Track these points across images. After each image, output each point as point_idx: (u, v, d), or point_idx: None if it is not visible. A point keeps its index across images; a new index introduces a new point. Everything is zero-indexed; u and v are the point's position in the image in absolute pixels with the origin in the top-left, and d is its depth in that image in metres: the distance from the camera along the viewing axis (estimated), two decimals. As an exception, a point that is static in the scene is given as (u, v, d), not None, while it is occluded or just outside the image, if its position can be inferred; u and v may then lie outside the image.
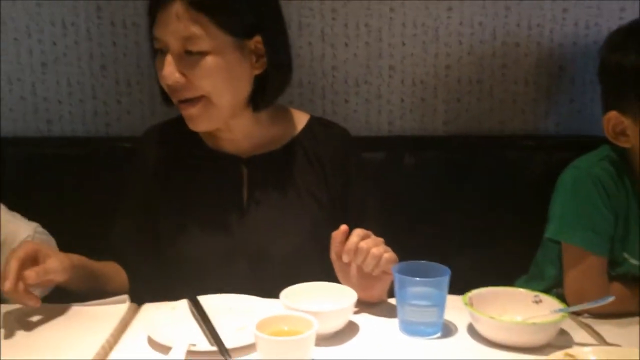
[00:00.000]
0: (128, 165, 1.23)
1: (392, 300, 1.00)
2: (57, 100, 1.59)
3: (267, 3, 1.09)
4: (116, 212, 1.19)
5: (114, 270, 1.14)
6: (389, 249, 0.99)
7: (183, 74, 1.01)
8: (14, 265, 0.91)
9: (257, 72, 1.08)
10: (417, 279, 0.93)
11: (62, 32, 1.56)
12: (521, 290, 1.01)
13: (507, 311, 0.97)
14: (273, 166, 1.15)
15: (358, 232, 0.97)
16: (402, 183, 1.54)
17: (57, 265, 0.96)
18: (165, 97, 1.10)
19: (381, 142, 1.60)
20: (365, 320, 1.00)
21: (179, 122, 1.16)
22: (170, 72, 1.01)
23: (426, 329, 0.94)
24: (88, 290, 1.06)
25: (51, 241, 1.22)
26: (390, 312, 0.99)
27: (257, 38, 1.06)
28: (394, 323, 0.98)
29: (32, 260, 0.96)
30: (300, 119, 1.21)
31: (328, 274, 1.03)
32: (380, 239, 1.00)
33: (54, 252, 0.99)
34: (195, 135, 1.17)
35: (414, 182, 1.53)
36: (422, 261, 0.98)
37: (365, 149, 1.46)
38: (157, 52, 1.05)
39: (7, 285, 0.90)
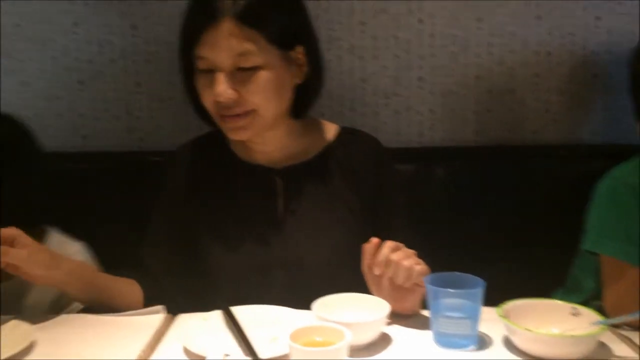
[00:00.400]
0: (161, 179, 1.25)
1: (426, 312, 0.99)
2: (93, 116, 1.63)
3: (304, 13, 1.12)
4: (148, 225, 1.21)
5: (126, 288, 1.13)
6: (420, 261, 0.99)
7: (235, 90, 1.03)
8: None
9: (297, 81, 1.11)
10: (451, 290, 0.92)
11: (98, 51, 1.61)
12: (558, 302, 0.99)
13: (544, 324, 0.95)
14: (306, 176, 1.16)
15: (389, 245, 0.97)
16: (433, 194, 1.53)
17: (23, 256, 0.96)
18: (202, 114, 1.12)
19: (411, 154, 1.60)
20: (398, 331, 0.99)
21: (212, 137, 1.18)
22: (223, 89, 1.02)
23: (460, 340, 0.93)
24: (90, 301, 1.07)
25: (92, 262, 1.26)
26: (424, 323, 0.98)
27: (299, 48, 1.08)
28: (427, 335, 0.96)
29: (8, 244, 0.96)
30: (331, 130, 1.22)
31: (362, 285, 1.02)
32: (412, 251, 0.99)
33: (33, 244, 0.99)
34: (227, 148, 1.19)
35: (445, 193, 1.52)
36: (456, 272, 0.96)
37: (395, 161, 1.46)
38: (199, 72, 1.06)
39: None
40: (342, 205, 1.15)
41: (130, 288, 1.13)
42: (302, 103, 1.14)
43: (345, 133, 1.22)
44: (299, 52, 1.09)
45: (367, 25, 1.59)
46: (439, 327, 0.93)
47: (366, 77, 1.62)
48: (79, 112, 1.62)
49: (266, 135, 1.13)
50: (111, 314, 1.06)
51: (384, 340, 0.96)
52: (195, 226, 1.15)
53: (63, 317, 1.06)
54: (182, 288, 1.16)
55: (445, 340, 0.94)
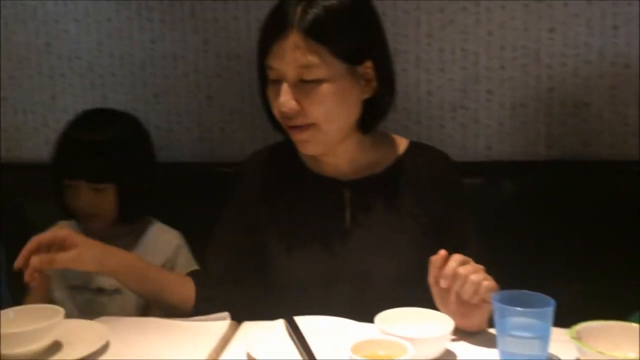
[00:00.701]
0: (230, 188, 1.28)
1: (493, 330, 0.96)
2: (168, 128, 1.70)
3: (375, 28, 1.12)
4: (214, 228, 1.24)
5: (178, 283, 1.16)
6: (488, 276, 0.96)
7: (298, 102, 1.05)
8: (29, 246, 1.00)
9: (366, 96, 1.11)
10: (519, 309, 0.89)
11: (172, 65, 1.68)
12: (635, 325, 0.94)
13: (618, 347, 0.90)
14: (375, 189, 1.16)
15: (456, 258, 0.96)
16: (501, 210, 1.49)
17: (72, 256, 1.01)
18: (274, 123, 1.15)
19: (479, 167, 1.57)
20: (463, 349, 0.97)
21: (282, 147, 1.21)
22: (286, 100, 1.04)
23: (528, 361, 0.90)
24: (142, 292, 1.12)
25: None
26: (490, 342, 0.96)
27: (368, 63, 1.08)
28: (493, 354, 0.94)
29: (59, 246, 1.02)
30: (400, 144, 1.22)
31: (428, 301, 1.01)
32: (480, 266, 0.97)
33: (83, 242, 1.04)
34: (297, 159, 1.21)
35: (514, 209, 1.48)
36: (525, 290, 0.93)
37: (463, 175, 1.44)
38: (270, 82, 1.09)
39: (16, 263, 0.98)
40: (410, 219, 1.14)
41: (182, 284, 1.16)
42: (371, 118, 1.13)
43: (415, 147, 1.21)
44: (367, 67, 1.08)
45: (433, 37, 1.58)
46: (506, 346, 0.91)
47: (432, 90, 1.61)
48: (154, 124, 1.70)
49: (337, 148, 1.14)
50: (179, 318, 1.10)
51: (447, 357, 0.94)
52: (263, 234, 1.17)
53: (133, 320, 1.11)
54: (242, 294, 1.18)
55: (511, 361, 0.91)
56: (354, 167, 1.17)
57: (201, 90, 1.68)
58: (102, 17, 1.68)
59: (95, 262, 1.05)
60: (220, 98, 1.68)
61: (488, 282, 0.94)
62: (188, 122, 1.70)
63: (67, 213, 1.37)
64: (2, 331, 0.92)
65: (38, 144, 1.76)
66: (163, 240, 1.39)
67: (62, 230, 1.06)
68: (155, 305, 1.16)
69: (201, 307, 1.12)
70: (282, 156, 1.21)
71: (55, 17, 1.69)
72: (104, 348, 0.98)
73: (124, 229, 1.39)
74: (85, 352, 0.95)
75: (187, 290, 1.15)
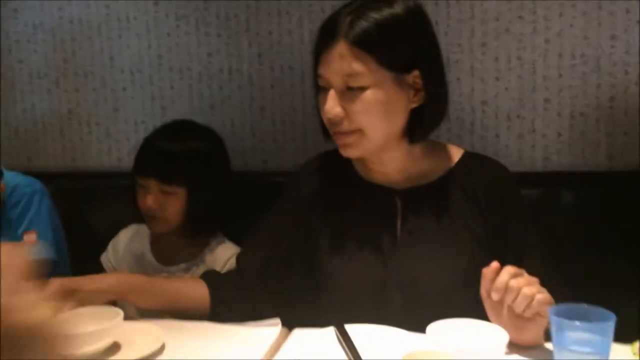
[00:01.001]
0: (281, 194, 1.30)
1: (549, 344, 0.93)
2: (222, 138, 1.74)
3: (426, 39, 1.12)
4: (252, 231, 1.25)
5: (187, 288, 1.18)
6: (543, 289, 0.93)
7: (343, 108, 1.07)
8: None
9: (413, 105, 1.10)
10: (578, 323, 0.86)
11: (228, 78, 1.72)
12: None
13: (686, 366, 0.85)
14: (427, 199, 1.15)
15: (509, 270, 0.93)
16: (560, 222, 1.44)
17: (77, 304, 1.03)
18: (325, 131, 1.16)
19: (536, 178, 1.53)
20: (518, 362, 0.94)
21: (334, 155, 1.22)
22: (331, 106, 1.07)
23: (587, 378, 0.86)
24: (157, 307, 1.14)
25: None
26: (546, 356, 0.93)
27: (416, 73, 1.08)
28: (550, 368, 0.91)
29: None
30: (455, 153, 1.20)
31: (482, 313, 0.99)
32: (535, 279, 0.94)
33: (79, 282, 1.07)
34: (349, 167, 1.21)
35: (573, 222, 1.43)
36: (583, 304, 0.90)
37: (519, 185, 1.40)
38: (320, 89, 1.12)
39: None
40: (464, 230, 1.12)
41: (194, 288, 1.17)
42: (419, 127, 1.13)
43: (470, 157, 1.20)
44: (415, 77, 1.08)
45: (488, 46, 1.56)
46: (563, 360, 0.87)
47: (487, 100, 1.58)
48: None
49: (383, 156, 1.14)
50: (231, 323, 1.12)
51: (501, 370, 0.92)
52: (314, 241, 1.18)
53: (188, 323, 1.13)
54: (271, 297, 1.18)
55: (569, 376, 0.87)
56: (405, 175, 1.17)
57: (255, 102, 1.72)
58: (162, 32, 1.74)
59: (101, 294, 1.08)
60: (273, 109, 1.71)
61: (542, 296, 0.92)
62: (242, 133, 1.74)
63: (136, 214, 1.42)
64: (64, 332, 0.96)
65: (101, 154, 1.84)
66: (219, 258, 1.41)
67: (55, 284, 1.05)
68: (173, 314, 1.17)
69: (218, 310, 1.14)
70: (334, 164, 1.22)
71: (118, 33, 1.77)
72: (160, 350, 1.00)
73: (187, 241, 1.42)
74: (142, 353, 0.98)
75: (200, 294, 1.16)
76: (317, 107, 1.16)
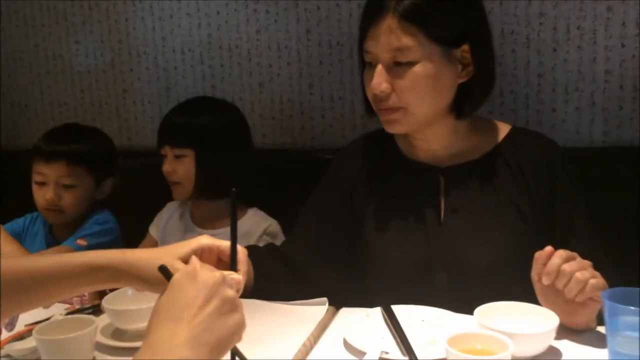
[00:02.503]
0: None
1: (602, 329, 0.90)
2: (271, 116, 1.75)
3: (475, 12, 1.09)
4: (301, 212, 1.26)
5: None
6: (596, 273, 0.90)
7: (390, 84, 1.06)
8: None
9: (461, 80, 1.08)
10: (632, 307, 0.83)
11: (277, 55, 1.72)
12: None
13: None
14: (471, 176, 1.13)
15: (560, 254, 0.90)
16: (620, 199, 1.38)
17: None
18: (368, 107, 1.15)
19: (595, 154, 1.46)
20: (568, 347, 0.92)
21: (379, 135, 1.21)
22: (379, 82, 1.06)
23: (642, 364, 0.83)
24: None
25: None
26: (599, 341, 0.90)
27: (465, 47, 1.06)
28: (601, 354, 0.88)
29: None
30: (502, 129, 1.17)
31: (529, 292, 0.97)
32: (588, 262, 0.91)
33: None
34: (393, 146, 1.20)
35: (634, 198, 1.37)
36: (638, 289, 0.86)
37: (576, 162, 1.34)
38: (366, 65, 1.10)
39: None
40: (511, 207, 1.10)
41: None
42: (466, 103, 1.10)
43: (518, 133, 1.16)
44: (464, 51, 1.06)
45: (546, 16, 1.49)
46: (616, 346, 0.84)
47: (544, 72, 1.51)
48: (259, 113, 1.76)
49: (428, 132, 1.12)
50: (280, 301, 1.14)
51: (551, 354, 0.89)
52: (358, 220, 1.18)
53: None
54: (324, 279, 1.19)
55: (623, 362, 0.85)
56: (450, 152, 1.15)
57: (303, 79, 1.71)
58: (211, 11, 1.75)
59: None
60: (322, 86, 1.70)
61: (595, 280, 0.88)
62: (290, 110, 1.74)
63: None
64: (120, 308, 1.00)
65: (154, 132, 1.87)
66: (254, 226, 1.46)
67: None
68: None
69: (261, 284, 1.14)
70: (377, 144, 1.21)
71: (170, 13, 1.79)
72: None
73: (220, 211, 1.48)
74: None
75: None
76: (362, 84, 1.15)
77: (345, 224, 1.19)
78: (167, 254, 0.83)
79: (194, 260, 0.76)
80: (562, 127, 1.51)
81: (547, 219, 1.10)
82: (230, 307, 0.70)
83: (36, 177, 1.53)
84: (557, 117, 1.52)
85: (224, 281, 0.71)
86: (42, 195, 1.51)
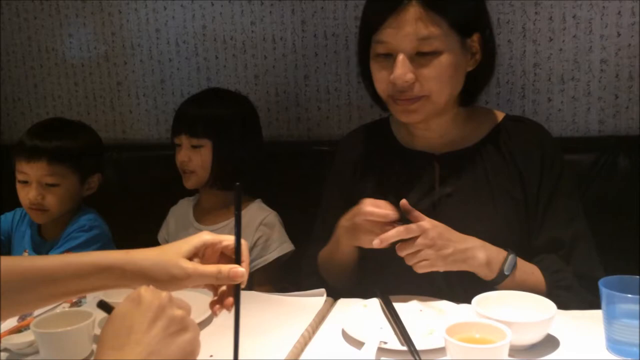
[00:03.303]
0: (327, 165, 1.30)
1: (599, 316, 0.90)
2: (267, 108, 1.75)
3: (482, 1, 1.11)
4: (319, 209, 1.27)
5: None
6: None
7: (413, 74, 1.05)
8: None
9: (469, 68, 1.10)
10: (629, 295, 0.83)
11: (272, 47, 1.71)
12: None
13: None
14: (465, 163, 1.14)
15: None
16: (616, 188, 1.38)
17: None
18: (374, 96, 1.15)
19: (591, 143, 1.46)
20: (566, 335, 0.92)
21: (377, 125, 1.22)
22: (403, 72, 1.05)
23: (637, 350, 0.84)
24: None
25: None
26: (597, 329, 0.90)
27: (476, 36, 1.08)
28: (599, 340, 0.88)
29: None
30: (495, 117, 1.18)
31: None
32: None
33: None
34: (391, 135, 1.21)
35: (631, 187, 1.37)
36: (636, 276, 0.87)
37: (572, 151, 1.35)
38: (375, 56, 1.09)
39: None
40: (503, 193, 1.11)
41: None
42: (472, 91, 1.12)
43: (510, 120, 1.17)
44: (474, 40, 1.08)
45: (541, 5, 1.49)
46: (613, 333, 0.85)
47: (540, 62, 1.51)
48: (254, 105, 1.74)
49: (431, 121, 1.13)
50: (278, 293, 1.14)
51: (549, 342, 0.90)
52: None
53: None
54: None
55: (618, 348, 0.85)
56: (446, 140, 1.16)
57: (299, 70, 1.70)
58: (206, 2, 1.74)
59: None
60: (317, 77, 1.69)
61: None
62: (286, 102, 1.73)
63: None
64: (118, 301, 1.00)
65: (150, 125, 1.88)
66: (251, 217, 1.46)
67: None
68: None
69: (304, 283, 1.17)
70: (377, 133, 1.22)
71: (163, 4, 1.78)
72: (209, 319, 1.03)
73: (226, 202, 1.48)
74: (197, 319, 1.00)
75: None
76: (363, 75, 1.14)
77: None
78: (171, 252, 0.83)
79: (142, 288, 0.73)
80: (558, 116, 1.51)
81: (539, 205, 1.10)
82: (178, 327, 0.67)
83: (19, 176, 1.48)
84: (553, 106, 1.52)
85: (170, 301, 0.69)
86: (25, 195, 1.46)
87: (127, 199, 1.71)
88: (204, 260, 0.84)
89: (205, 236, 0.86)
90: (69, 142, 1.49)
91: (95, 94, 1.91)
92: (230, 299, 0.83)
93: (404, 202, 1.00)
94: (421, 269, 0.99)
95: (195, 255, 0.83)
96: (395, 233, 0.98)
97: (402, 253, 0.99)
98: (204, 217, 1.53)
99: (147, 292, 0.69)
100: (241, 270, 0.82)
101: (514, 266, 1.02)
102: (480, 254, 1.00)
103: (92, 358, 0.64)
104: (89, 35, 1.87)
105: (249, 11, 1.71)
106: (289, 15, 1.68)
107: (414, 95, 1.06)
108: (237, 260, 0.83)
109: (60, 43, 1.90)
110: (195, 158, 1.45)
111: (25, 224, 1.57)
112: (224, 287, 0.85)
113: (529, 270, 1.05)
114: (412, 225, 0.98)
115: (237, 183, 0.82)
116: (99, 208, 1.56)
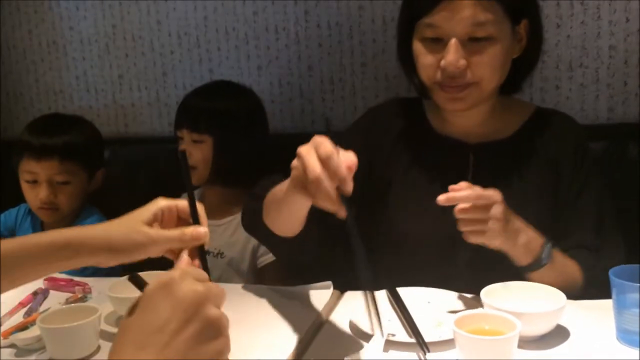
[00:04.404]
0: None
1: (609, 306, 0.89)
2: (270, 100, 1.73)
3: None
4: None
5: None
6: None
7: (466, 60, 1.03)
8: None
9: (515, 56, 1.09)
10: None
11: (274, 37, 1.70)
12: None
13: None
14: (500, 155, 1.12)
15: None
16: (626, 176, 1.37)
17: None
18: (415, 82, 1.12)
19: (600, 131, 1.45)
20: (576, 326, 0.91)
21: (410, 104, 1.19)
22: (456, 58, 1.02)
23: (650, 340, 0.83)
24: None
25: None
26: (607, 319, 0.89)
27: (524, 22, 1.06)
28: (610, 331, 0.87)
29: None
30: (527, 109, 1.17)
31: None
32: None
33: None
34: (422, 118, 1.18)
35: (640, 176, 1.35)
36: (647, 265, 0.86)
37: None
38: (421, 40, 1.06)
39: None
40: (533, 187, 1.09)
41: None
42: (516, 79, 1.11)
43: (543, 113, 1.16)
44: (522, 26, 1.07)
45: (548, -9, 1.46)
46: (624, 323, 0.84)
47: (547, 49, 1.49)
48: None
49: (473, 109, 1.10)
50: (285, 286, 1.13)
51: (559, 333, 0.89)
52: (383, 192, 1.15)
53: (240, 286, 1.15)
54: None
55: (629, 338, 0.84)
56: (482, 130, 1.14)
57: (302, 61, 1.69)
58: (207, -7, 1.73)
59: None
60: (321, 68, 1.68)
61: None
62: (290, 93, 1.72)
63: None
64: (123, 296, 0.99)
65: (152, 118, 1.86)
66: None
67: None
68: None
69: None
70: (406, 113, 1.19)
71: (164, -4, 1.77)
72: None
73: (231, 198, 1.46)
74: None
75: None
76: (402, 60, 1.12)
77: (367, 196, 1.14)
78: (131, 220, 0.81)
79: (182, 263, 0.70)
80: (567, 104, 1.49)
81: (569, 200, 1.10)
82: (213, 333, 0.57)
83: (26, 176, 1.45)
84: (561, 94, 1.50)
85: (208, 297, 0.57)
86: (34, 195, 1.44)
87: (129, 193, 1.69)
88: (163, 227, 0.83)
89: (162, 202, 0.85)
90: (77, 138, 1.48)
91: (97, 88, 1.90)
92: (196, 262, 0.81)
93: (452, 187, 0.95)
94: (478, 238, 0.94)
95: (155, 221, 0.82)
96: (472, 194, 0.93)
97: (464, 216, 0.94)
98: (207, 212, 1.51)
99: (181, 280, 0.57)
100: (204, 230, 0.81)
101: (550, 255, 0.98)
102: (523, 235, 0.97)
103: (112, 343, 0.56)
104: (90, 29, 1.85)
105: (251, 1, 1.69)
106: (291, 5, 1.66)
107: (464, 82, 1.04)
108: (195, 222, 0.82)
109: (61, 37, 1.88)
110: (196, 153, 1.43)
111: (28, 222, 1.56)
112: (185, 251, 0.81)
113: (566, 262, 1.03)
114: (489, 192, 0.93)
115: (181, 151, 0.82)
116: (101, 203, 1.56)
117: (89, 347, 0.93)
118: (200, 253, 0.81)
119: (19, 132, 1.55)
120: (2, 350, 0.96)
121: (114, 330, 0.99)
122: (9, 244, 0.78)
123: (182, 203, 0.85)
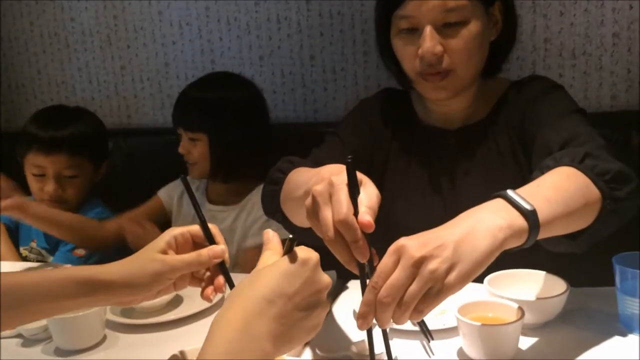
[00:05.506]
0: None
1: (612, 292, 0.89)
2: (272, 90, 1.73)
3: None
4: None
5: None
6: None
7: (442, 46, 1.03)
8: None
9: (492, 38, 1.09)
10: (643, 271, 0.82)
11: (276, 27, 1.69)
12: None
13: None
14: (479, 136, 1.12)
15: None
16: (630, 164, 1.35)
17: None
18: (399, 74, 1.13)
19: (603, 119, 1.44)
20: (579, 313, 0.91)
21: (398, 95, 1.20)
22: (433, 45, 1.02)
23: (654, 327, 0.83)
24: None
25: None
26: (610, 305, 0.89)
27: (497, 4, 1.07)
28: (613, 317, 0.88)
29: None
30: (503, 84, 1.16)
31: (538, 252, 0.95)
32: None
33: None
34: (410, 108, 1.19)
35: (643, 164, 1.35)
36: (650, 252, 0.86)
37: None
38: (398, 32, 1.06)
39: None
40: (514, 163, 1.10)
41: None
42: (495, 62, 1.11)
43: (513, 86, 1.15)
44: (496, 8, 1.07)
45: (551, -22, 1.45)
46: (627, 309, 0.84)
47: (550, 37, 1.48)
48: (260, 87, 1.71)
49: (456, 97, 1.10)
50: None
51: (563, 320, 0.89)
52: (377, 182, 1.15)
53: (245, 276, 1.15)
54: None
55: (633, 324, 0.85)
56: (463, 115, 1.14)
57: (304, 51, 1.68)
58: (208, -17, 1.72)
59: None
60: (323, 57, 1.67)
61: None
62: (292, 83, 1.71)
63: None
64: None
65: (155, 109, 1.86)
66: (257, 199, 1.44)
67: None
68: None
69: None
70: (400, 104, 1.20)
71: (165, -14, 1.76)
72: (221, 302, 1.03)
73: (236, 188, 1.47)
74: (203, 306, 1.01)
75: None
76: (383, 55, 1.12)
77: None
78: (145, 252, 0.80)
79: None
80: (570, 92, 1.45)
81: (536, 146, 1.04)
82: (319, 315, 0.66)
83: (33, 170, 1.44)
84: (565, 82, 1.49)
85: (328, 287, 0.67)
86: (40, 188, 1.44)
87: (133, 184, 1.70)
88: (178, 254, 0.82)
89: (174, 230, 0.84)
90: (84, 130, 1.48)
91: (99, 79, 1.89)
92: (220, 279, 0.81)
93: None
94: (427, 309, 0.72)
95: (169, 249, 0.81)
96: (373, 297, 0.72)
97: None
98: (214, 199, 1.53)
99: (317, 266, 0.66)
100: (220, 247, 0.81)
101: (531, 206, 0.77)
102: (486, 221, 0.77)
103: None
104: (91, 20, 1.85)
105: (253, -9, 1.69)
106: (293, -5, 1.65)
107: (443, 69, 1.04)
108: (211, 242, 0.82)
109: (62, 28, 1.88)
110: (193, 150, 1.44)
111: None
112: (208, 273, 0.83)
113: (555, 183, 0.84)
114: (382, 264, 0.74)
115: (182, 176, 0.83)
116: (104, 194, 1.56)
117: (94, 337, 0.93)
118: (222, 270, 0.81)
119: (21, 124, 1.55)
120: (9, 340, 0.96)
121: (120, 320, 1.00)
122: (28, 276, 0.77)
123: (195, 228, 0.83)
